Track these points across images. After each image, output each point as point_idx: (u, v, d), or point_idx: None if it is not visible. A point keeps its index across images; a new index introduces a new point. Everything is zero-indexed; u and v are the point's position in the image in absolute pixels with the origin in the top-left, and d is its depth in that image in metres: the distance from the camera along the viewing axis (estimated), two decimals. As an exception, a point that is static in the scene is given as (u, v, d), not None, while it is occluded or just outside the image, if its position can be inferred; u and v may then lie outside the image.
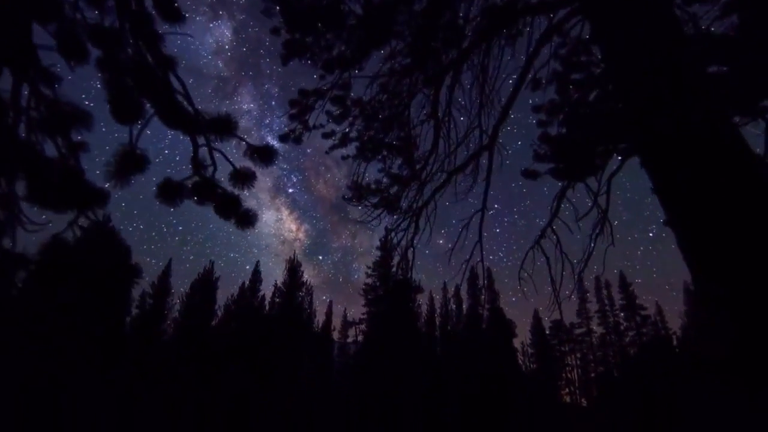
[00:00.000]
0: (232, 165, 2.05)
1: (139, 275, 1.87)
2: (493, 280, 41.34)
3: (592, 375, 43.00)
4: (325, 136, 7.49)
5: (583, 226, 4.31)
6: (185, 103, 1.85)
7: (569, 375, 45.84)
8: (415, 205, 5.28)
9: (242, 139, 2.03)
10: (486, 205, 4.65)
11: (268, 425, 26.25)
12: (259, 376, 28.48)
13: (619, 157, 5.10)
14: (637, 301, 42.67)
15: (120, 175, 1.70)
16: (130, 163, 1.72)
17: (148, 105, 1.85)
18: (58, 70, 1.81)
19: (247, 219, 2.07)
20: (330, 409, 30.94)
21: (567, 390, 44.69)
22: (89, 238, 1.70)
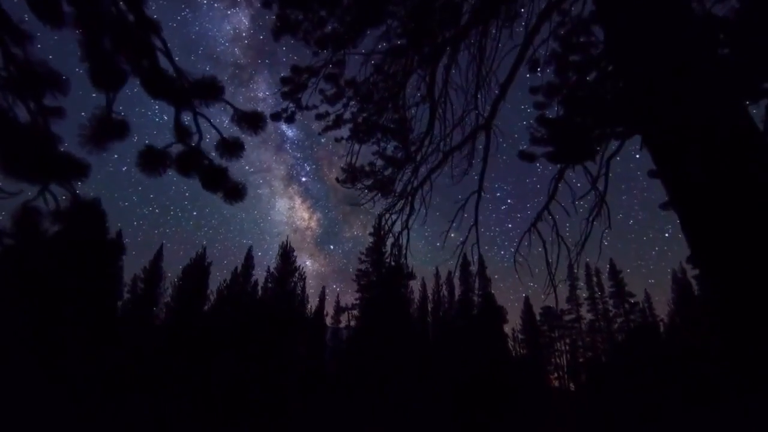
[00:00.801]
0: (219, 133, 1.94)
1: (121, 252, 1.76)
2: (485, 267, 41.64)
3: (581, 360, 43.86)
4: (319, 117, 7.34)
5: (580, 209, 4.26)
6: (169, 67, 1.73)
7: (558, 360, 46.74)
8: (410, 186, 5.19)
9: (229, 104, 1.91)
10: (482, 187, 4.58)
11: (260, 409, 26.45)
12: (252, 360, 28.59)
13: (617, 141, 5.03)
14: (626, 289, 43.39)
15: (95, 140, 1.58)
16: (106, 128, 1.60)
17: (129, 70, 1.72)
18: (30, 29, 1.67)
19: (236, 193, 1.96)
20: (322, 393, 31.23)
21: (556, 375, 45.62)
22: (68, 210, 1.60)
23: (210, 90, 1.76)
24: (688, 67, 2.37)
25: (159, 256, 36.92)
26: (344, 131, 7.65)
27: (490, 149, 4.64)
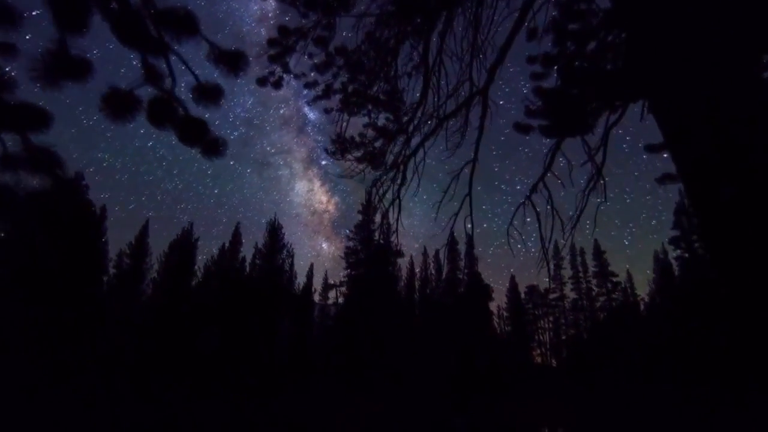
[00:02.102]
0: (195, 76, 1.73)
1: (94, 217, 1.59)
2: (474, 246, 42.00)
3: (563, 338, 45.05)
4: (308, 85, 7.06)
5: (576, 181, 4.17)
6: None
7: (541, 337, 47.96)
8: (402, 155, 5.03)
9: (207, 41, 1.68)
10: (477, 156, 4.45)
11: (247, 385, 26.71)
12: (239, 335, 28.70)
13: (614, 115, 4.91)
14: (609, 268, 44.31)
15: (47, 78, 1.38)
16: (61, 66, 1.41)
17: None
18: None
19: (214, 147, 1.79)
20: (309, 369, 31.65)
21: (538, 351, 46.87)
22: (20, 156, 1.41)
23: (184, 23, 1.54)
24: (705, 24, 2.23)
25: (145, 231, 36.39)
26: (334, 102, 7.40)
27: (487, 117, 4.49)
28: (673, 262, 36.17)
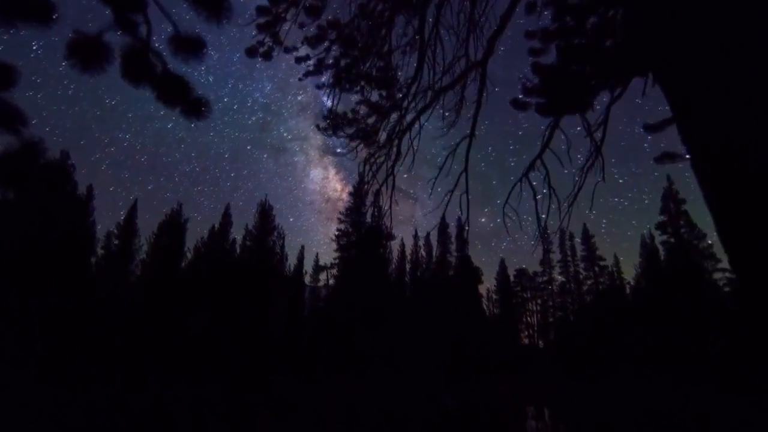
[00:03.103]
0: (173, 24, 1.55)
1: (64, 177, 1.45)
2: (466, 228, 42.15)
3: (551, 320, 45.87)
4: (299, 60, 6.83)
5: (574, 160, 4.09)
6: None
7: (529, 319, 48.81)
8: (397, 129, 4.89)
9: None
10: (475, 131, 4.33)
11: (237, 366, 26.85)
12: (229, 316, 28.70)
13: (615, 91, 4.80)
14: (597, 252, 44.94)
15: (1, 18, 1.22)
16: (17, 4, 1.24)
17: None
18: None
19: (197, 108, 1.64)
20: (300, 350, 31.87)
21: (526, 333, 47.76)
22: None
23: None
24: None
25: (133, 212, 35.87)
26: (326, 77, 7.19)
27: (485, 90, 4.36)
28: (659, 247, 36.72)
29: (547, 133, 4.13)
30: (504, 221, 4.01)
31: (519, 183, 4.05)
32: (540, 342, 46.69)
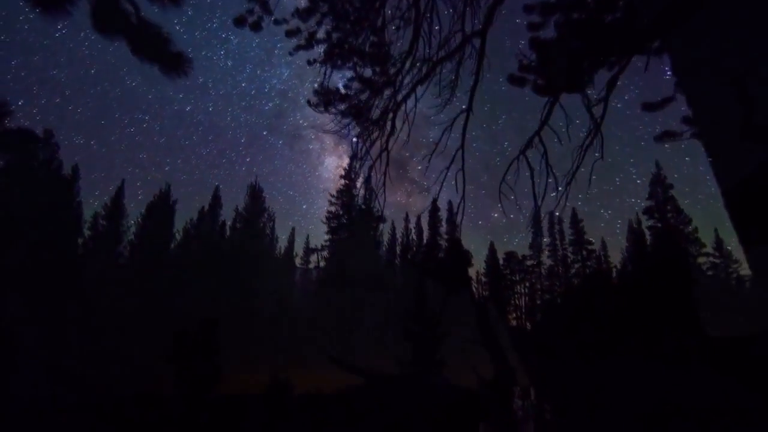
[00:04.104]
0: None
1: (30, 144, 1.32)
2: (455, 212, 42.27)
3: (538, 302, 46.65)
4: (290, 33, 6.59)
5: (573, 137, 4.00)
6: None
7: (517, 302, 49.60)
8: (392, 103, 4.74)
9: None
10: (472, 106, 4.21)
11: (228, 347, 26.85)
12: (219, 298, 28.63)
13: (612, 70, 4.69)
14: (585, 236, 45.54)
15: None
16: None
17: None
18: None
19: (176, 63, 1.50)
20: (290, 331, 32.03)
21: (514, 315, 48.58)
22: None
23: None
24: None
25: (120, 192, 35.23)
26: (317, 52, 6.96)
27: (484, 61, 4.22)
28: (646, 231, 37.30)
29: (546, 108, 4.02)
30: (499, 198, 3.94)
31: (516, 161, 3.97)
32: (527, 323, 47.57)
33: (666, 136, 3.57)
